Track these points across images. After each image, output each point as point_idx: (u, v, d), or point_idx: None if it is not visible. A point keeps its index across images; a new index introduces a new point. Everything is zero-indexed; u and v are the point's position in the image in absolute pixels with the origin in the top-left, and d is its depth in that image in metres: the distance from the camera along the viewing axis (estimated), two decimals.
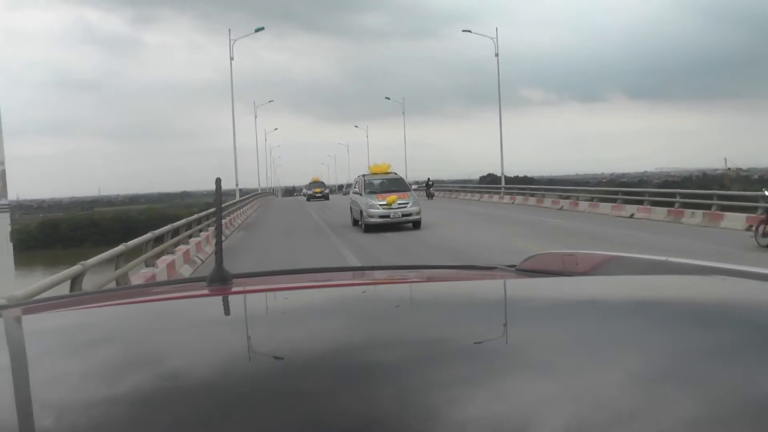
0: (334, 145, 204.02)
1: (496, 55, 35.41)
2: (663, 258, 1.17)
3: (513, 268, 1.46)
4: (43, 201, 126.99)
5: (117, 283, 7.81)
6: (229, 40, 34.00)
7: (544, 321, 0.80)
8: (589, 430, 0.47)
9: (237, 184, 31.82)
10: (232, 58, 34.02)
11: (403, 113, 58.79)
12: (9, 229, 9.99)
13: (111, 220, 48.37)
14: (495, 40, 35.46)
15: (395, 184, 18.97)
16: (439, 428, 0.48)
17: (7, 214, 10.15)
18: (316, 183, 56.95)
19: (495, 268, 1.50)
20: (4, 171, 9.52)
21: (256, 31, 34.66)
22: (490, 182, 43.19)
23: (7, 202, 10.12)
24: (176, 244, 12.62)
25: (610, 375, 0.57)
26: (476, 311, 0.91)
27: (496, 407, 0.51)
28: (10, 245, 10.07)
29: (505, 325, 0.81)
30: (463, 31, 37.38)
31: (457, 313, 0.90)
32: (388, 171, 20.08)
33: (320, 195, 50.35)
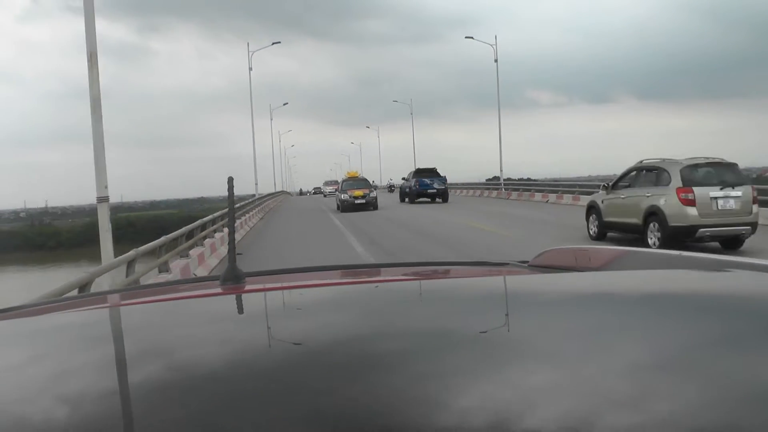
0: (342, 150, 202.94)
1: (496, 60, 38.45)
2: (677, 252, 1.17)
3: (525, 264, 1.47)
4: (66, 208, 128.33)
5: None
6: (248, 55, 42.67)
7: (558, 315, 0.80)
8: (603, 425, 0.47)
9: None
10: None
11: (377, 130, 64.35)
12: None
13: (146, 221, 53.32)
14: (495, 46, 38.25)
15: None
16: (454, 418, 0.49)
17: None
18: (355, 181, 32.18)
19: (507, 264, 1.51)
20: None
21: (273, 44, 44.12)
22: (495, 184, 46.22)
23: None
24: (191, 246, 12.08)
25: (626, 369, 0.57)
26: (489, 306, 0.91)
27: (514, 400, 0.52)
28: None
29: (518, 319, 0.80)
30: (466, 37, 39.80)
31: (470, 308, 0.90)
32: None
33: (363, 200, 28.69)
